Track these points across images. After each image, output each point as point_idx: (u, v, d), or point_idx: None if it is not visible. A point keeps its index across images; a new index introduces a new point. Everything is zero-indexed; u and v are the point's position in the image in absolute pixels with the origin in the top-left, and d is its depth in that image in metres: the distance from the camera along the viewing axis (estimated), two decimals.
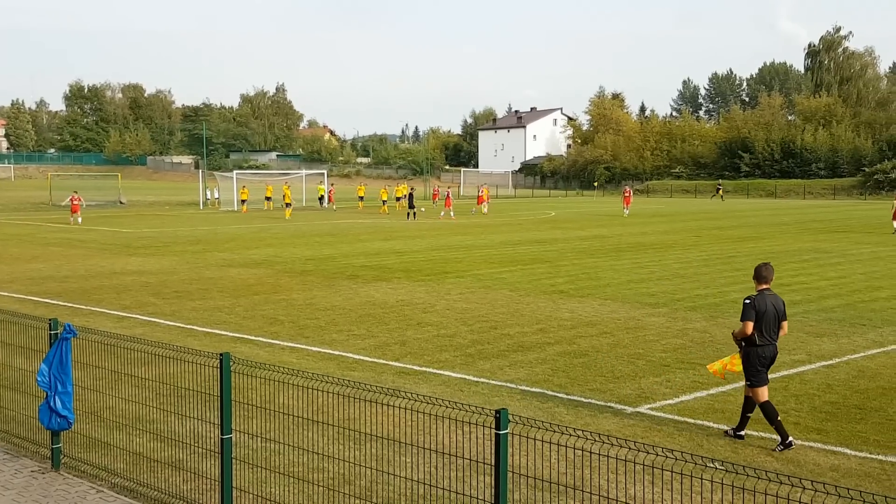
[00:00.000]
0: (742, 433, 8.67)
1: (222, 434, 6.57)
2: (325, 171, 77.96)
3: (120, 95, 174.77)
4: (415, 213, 48.32)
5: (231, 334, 14.18)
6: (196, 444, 7.98)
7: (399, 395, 5.79)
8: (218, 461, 6.72)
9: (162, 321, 15.46)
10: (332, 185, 68.74)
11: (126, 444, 8.16)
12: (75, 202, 45.18)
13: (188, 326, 14.93)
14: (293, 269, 23.44)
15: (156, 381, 9.02)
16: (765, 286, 8.86)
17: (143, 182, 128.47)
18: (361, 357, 12.42)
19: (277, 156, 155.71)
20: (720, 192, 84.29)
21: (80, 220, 43.68)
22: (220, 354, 6.55)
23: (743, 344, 8.68)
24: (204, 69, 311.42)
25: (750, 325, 8.57)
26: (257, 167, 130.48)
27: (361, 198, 64.15)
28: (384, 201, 58.01)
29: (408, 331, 14.37)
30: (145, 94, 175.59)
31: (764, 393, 8.54)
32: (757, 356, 8.59)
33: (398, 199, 59.66)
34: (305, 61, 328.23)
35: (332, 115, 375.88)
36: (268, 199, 60.29)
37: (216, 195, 65.97)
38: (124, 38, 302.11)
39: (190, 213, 55.19)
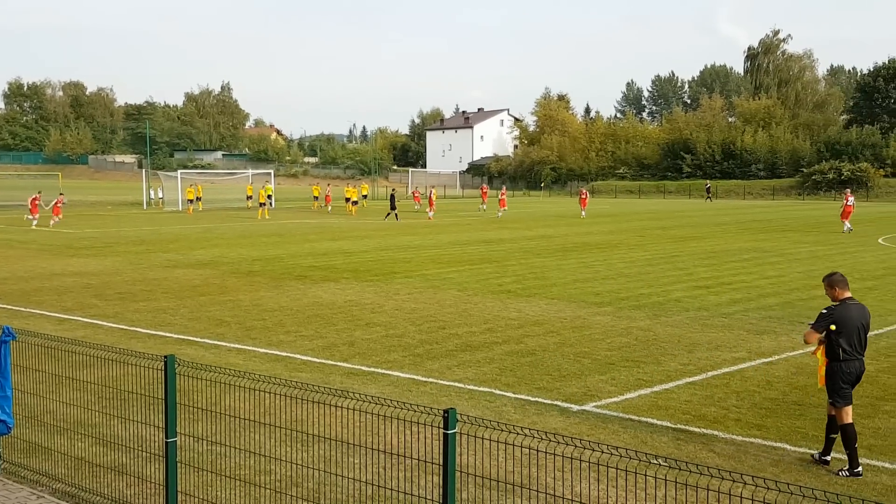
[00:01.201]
0: (828, 458, 7.92)
1: (167, 437, 6.49)
2: (271, 171, 77.22)
3: (61, 93, 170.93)
4: (396, 215, 48.32)
5: (176, 336, 13.99)
6: (140, 448, 7.86)
7: (347, 396, 5.78)
8: (162, 465, 6.63)
9: (104, 323, 15.18)
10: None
11: (68, 449, 8.00)
12: (36, 203, 43.29)
13: (131, 328, 14.69)
14: (240, 270, 23.19)
15: (98, 385, 8.86)
16: (846, 294, 7.93)
17: (85, 182, 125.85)
18: (309, 358, 12.35)
19: (223, 155, 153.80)
20: (709, 192, 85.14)
21: (35, 222, 42.08)
22: (165, 357, 6.47)
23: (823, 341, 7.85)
24: (147, 67, 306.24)
25: (813, 336, 7.84)
26: (203, 167, 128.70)
27: (316, 197, 63.79)
28: (355, 202, 57.38)
29: (356, 331, 14.33)
30: (86, 92, 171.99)
31: (848, 413, 7.77)
32: (841, 372, 7.77)
33: (347, 200, 59.48)
34: (252, 60, 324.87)
35: (279, 115, 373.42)
36: (197, 199, 59.16)
37: (160, 195, 64.96)
38: (65, 36, 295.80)
39: (133, 214, 54.26)
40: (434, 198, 51.59)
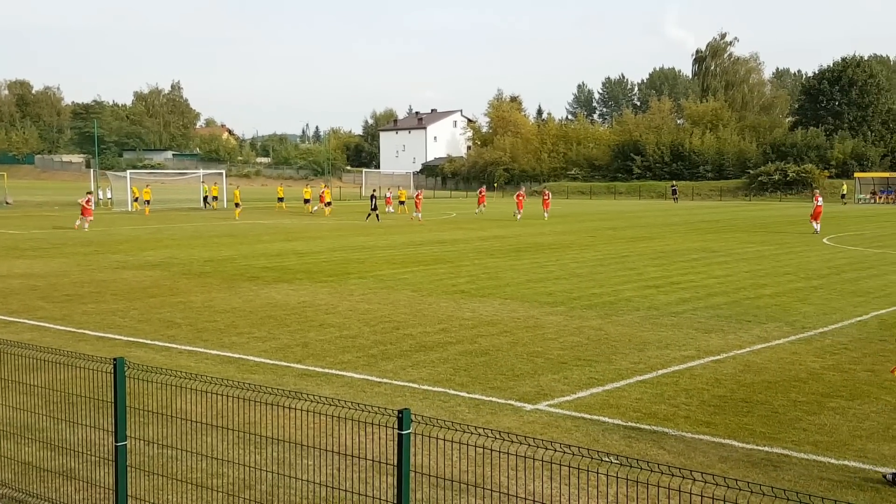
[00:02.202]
0: None
1: (116, 441, 6.39)
2: (223, 171, 76.44)
3: (6, 92, 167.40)
4: (378, 215, 48.14)
5: (125, 338, 13.78)
6: (89, 453, 7.73)
7: (301, 398, 5.76)
8: (112, 469, 6.53)
9: (51, 326, 14.89)
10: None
11: (15, 454, 7.83)
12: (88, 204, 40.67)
13: (79, 331, 14.43)
14: (191, 271, 22.91)
15: (46, 389, 8.70)
16: None
17: (31, 182, 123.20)
18: (262, 360, 12.26)
19: (174, 155, 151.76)
20: (675, 193, 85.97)
21: (86, 225, 39.62)
22: (114, 359, 6.38)
23: None
24: (96, 66, 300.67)
25: None
26: (152, 166, 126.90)
27: (281, 199, 63.29)
28: (328, 203, 56.84)
29: (310, 332, 14.26)
30: (32, 91, 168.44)
31: None
32: None
33: (306, 201, 59.47)
34: (202, 59, 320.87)
35: (231, 115, 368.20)
36: (146, 201, 58.27)
37: (108, 195, 63.87)
38: (10, 34, 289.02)
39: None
40: (420, 199, 50.55)
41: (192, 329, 14.55)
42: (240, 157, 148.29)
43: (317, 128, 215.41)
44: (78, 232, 37.77)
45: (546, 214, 51.52)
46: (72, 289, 19.48)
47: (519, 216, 49.30)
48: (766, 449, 8.34)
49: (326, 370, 11.61)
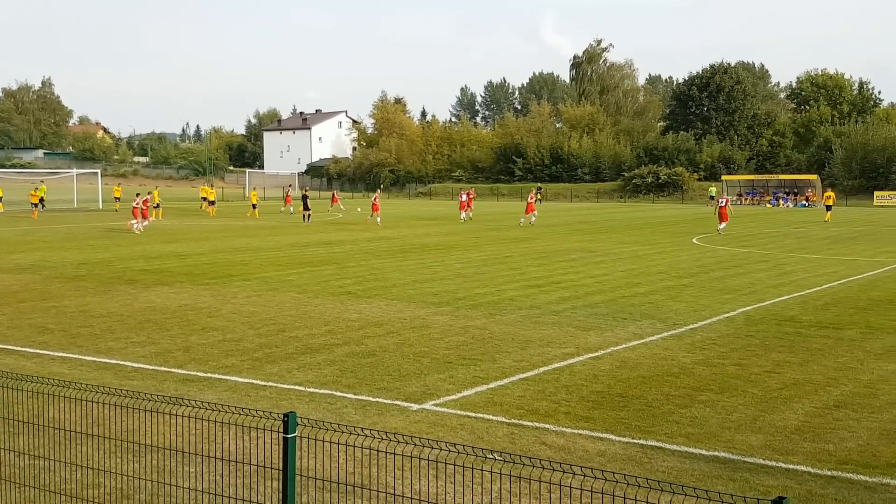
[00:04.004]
0: None
1: None
2: (98, 171, 73.54)
3: None
4: (309, 216, 47.00)
5: None
6: None
7: (182, 404, 5.66)
8: None
9: None
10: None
11: None
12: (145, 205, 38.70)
13: None
14: (64, 275, 21.98)
15: None
16: None
17: None
18: (141, 365, 11.91)
19: (45, 154, 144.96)
20: (540, 193, 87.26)
21: (142, 226, 37.91)
22: None
23: None
24: None
25: None
26: (22, 166, 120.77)
27: (205, 198, 61.07)
28: (254, 205, 54.85)
29: (191, 336, 13.93)
30: None
31: None
32: None
33: (203, 199, 58.39)
34: (75, 55, 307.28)
35: (107, 113, 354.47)
36: (33, 204, 55.68)
37: None
38: None
39: None
40: (377, 201, 47.04)
41: (65, 335, 13.98)
42: (116, 157, 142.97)
43: (198, 127, 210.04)
44: None
45: (464, 215, 49.57)
46: None
47: (530, 220, 44.79)
48: (642, 442, 8.68)
49: (209, 375, 11.38)
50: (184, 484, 7.06)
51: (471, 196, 51.09)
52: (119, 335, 13.99)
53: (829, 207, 52.71)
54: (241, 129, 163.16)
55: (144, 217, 39.11)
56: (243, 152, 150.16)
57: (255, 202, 55.25)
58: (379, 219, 45.53)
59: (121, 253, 28.05)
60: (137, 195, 40.75)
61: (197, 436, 7.98)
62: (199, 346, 13.19)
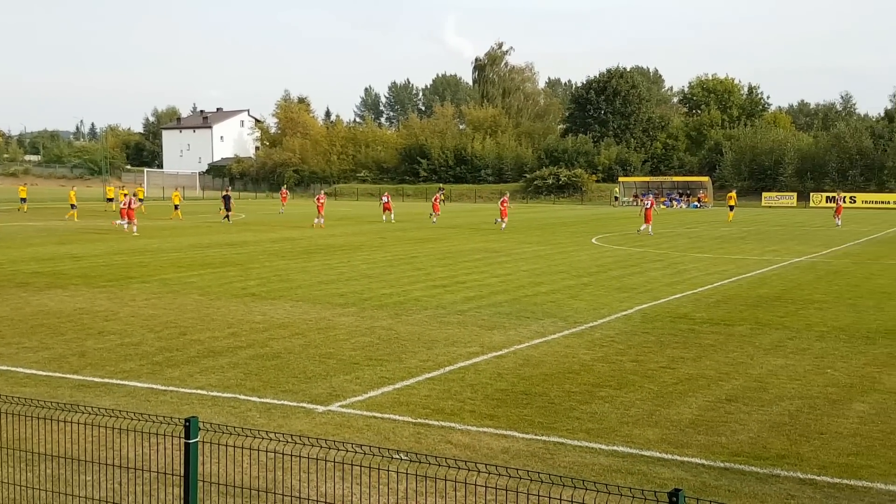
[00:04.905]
0: None
1: None
2: None
3: None
4: (230, 216, 45.86)
5: None
6: None
7: (77, 410, 5.50)
8: None
9: None
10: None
11: None
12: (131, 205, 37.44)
13: None
14: None
15: None
16: None
17: None
18: (34, 371, 11.47)
19: None
20: (442, 194, 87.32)
21: (135, 228, 36.98)
22: None
23: None
24: None
25: None
26: None
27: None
28: (176, 206, 52.85)
29: (87, 341, 13.49)
30: None
31: None
32: None
33: (109, 200, 56.80)
34: None
35: None
36: None
37: None
38: None
39: None
40: (322, 202, 45.10)
41: None
42: (6, 155, 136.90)
43: (92, 125, 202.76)
44: None
45: (385, 217, 49.51)
46: None
47: (503, 224, 43.34)
48: (544, 438, 8.86)
49: (106, 380, 11.05)
50: (79, 493, 6.85)
51: (504, 204, 45.27)
52: (10, 340, 13.43)
53: (731, 207, 55.52)
54: (138, 128, 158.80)
55: (130, 219, 38.36)
56: (141, 151, 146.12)
57: (177, 203, 53.81)
58: (322, 220, 44.27)
59: (11, 255, 26.91)
60: (125, 195, 41.26)
61: (94, 443, 7.75)
62: (95, 350, 12.79)
